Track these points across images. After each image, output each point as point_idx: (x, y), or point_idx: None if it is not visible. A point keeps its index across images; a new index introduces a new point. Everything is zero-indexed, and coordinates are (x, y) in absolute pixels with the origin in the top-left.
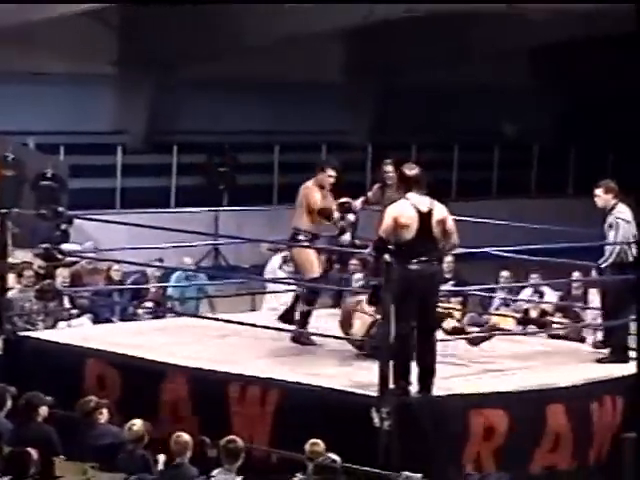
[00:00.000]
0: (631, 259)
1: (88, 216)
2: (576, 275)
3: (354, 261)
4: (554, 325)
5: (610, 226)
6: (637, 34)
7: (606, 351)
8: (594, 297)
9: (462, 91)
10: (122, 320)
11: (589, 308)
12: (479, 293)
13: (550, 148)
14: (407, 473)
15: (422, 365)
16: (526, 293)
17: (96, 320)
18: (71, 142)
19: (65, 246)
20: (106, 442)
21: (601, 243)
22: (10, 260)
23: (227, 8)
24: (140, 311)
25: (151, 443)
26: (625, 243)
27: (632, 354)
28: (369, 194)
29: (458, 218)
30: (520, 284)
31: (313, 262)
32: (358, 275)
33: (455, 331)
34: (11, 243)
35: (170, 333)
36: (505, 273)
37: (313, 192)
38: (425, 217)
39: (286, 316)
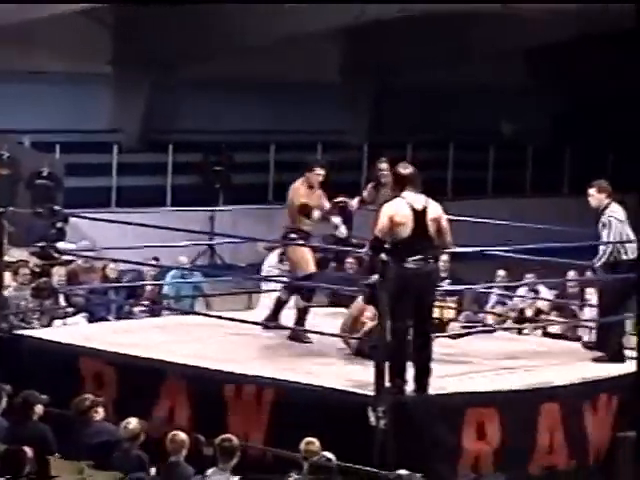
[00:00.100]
0: (624, 258)
1: (84, 215)
2: (571, 274)
3: (350, 260)
4: (549, 324)
5: (603, 225)
6: (634, 33)
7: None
8: (591, 296)
9: (458, 91)
10: (118, 319)
11: (584, 306)
12: (475, 292)
13: (545, 148)
14: (403, 471)
15: (418, 364)
16: (522, 292)
17: (92, 319)
18: (67, 140)
19: (61, 245)
20: (101, 440)
21: (596, 243)
22: (6, 258)
23: (224, 8)
24: (136, 310)
25: (147, 442)
26: (618, 242)
27: (627, 353)
28: (364, 194)
29: (454, 217)
30: (516, 283)
31: (308, 260)
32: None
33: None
34: (7, 241)
35: (166, 332)
36: (501, 272)
37: (298, 192)
38: (420, 215)
39: (269, 324)
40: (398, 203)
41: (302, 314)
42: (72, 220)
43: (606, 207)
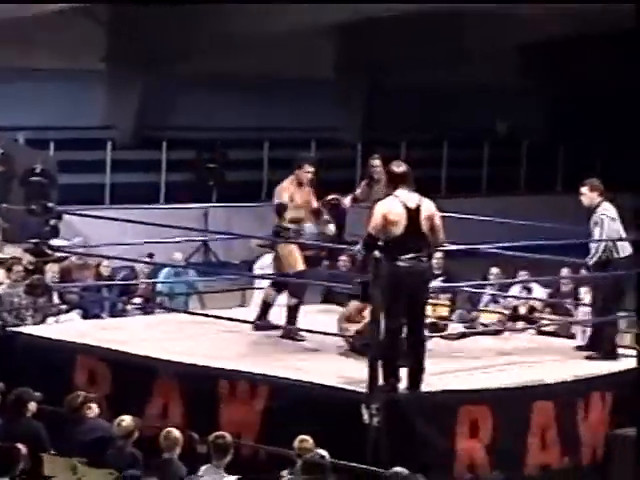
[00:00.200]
0: (616, 256)
1: (77, 212)
2: (565, 272)
3: (344, 257)
4: (543, 321)
5: (595, 223)
6: (630, 33)
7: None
8: (585, 295)
9: (452, 89)
10: (111, 316)
11: (578, 305)
12: (468, 289)
13: (539, 145)
14: (399, 468)
15: (411, 362)
16: (515, 290)
17: (85, 316)
18: (61, 137)
19: (54, 241)
20: (95, 437)
21: (589, 240)
22: None
23: (218, 5)
24: (129, 307)
25: (140, 439)
26: (611, 240)
27: (621, 351)
28: (357, 191)
29: (447, 215)
30: (509, 281)
31: (297, 257)
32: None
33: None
34: (0, 238)
35: (159, 329)
36: (494, 270)
37: (282, 190)
38: (413, 214)
39: (260, 325)
40: (391, 201)
41: (293, 312)
42: (66, 217)
43: (598, 205)
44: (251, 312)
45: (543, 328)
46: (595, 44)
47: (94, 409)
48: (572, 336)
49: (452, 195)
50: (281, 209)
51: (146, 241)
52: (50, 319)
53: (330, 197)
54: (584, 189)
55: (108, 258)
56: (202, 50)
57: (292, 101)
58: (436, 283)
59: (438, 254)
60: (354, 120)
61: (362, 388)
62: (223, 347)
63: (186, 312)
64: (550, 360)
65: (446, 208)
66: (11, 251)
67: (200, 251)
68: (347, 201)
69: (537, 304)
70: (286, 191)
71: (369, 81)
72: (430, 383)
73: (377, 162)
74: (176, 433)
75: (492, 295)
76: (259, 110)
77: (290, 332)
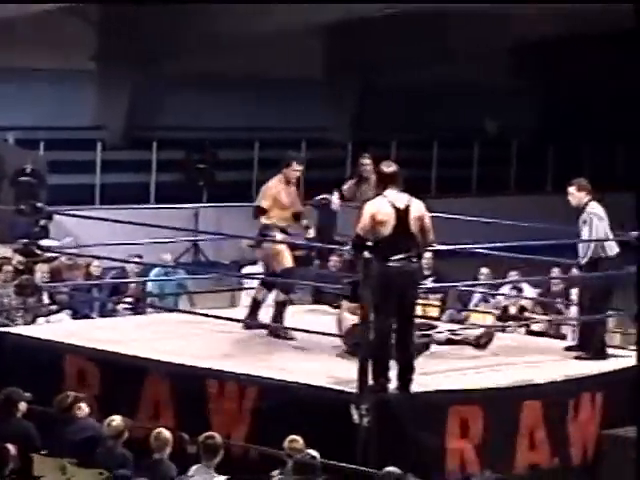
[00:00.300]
0: (603, 255)
1: (67, 212)
2: (555, 272)
3: (335, 257)
4: (533, 321)
5: (584, 222)
6: (622, 34)
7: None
8: (576, 296)
9: (442, 89)
10: (101, 316)
11: (569, 305)
12: (458, 290)
13: (529, 146)
14: (390, 468)
15: (401, 361)
16: (505, 290)
17: (75, 316)
18: (51, 137)
19: (44, 242)
20: (85, 436)
21: (581, 240)
22: None
23: (208, 4)
24: (119, 307)
25: (130, 439)
26: (600, 240)
27: (610, 351)
28: (344, 188)
29: (437, 215)
30: (499, 281)
31: (285, 255)
32: None
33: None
34: None
35: (149, 329)
36: (484, 270)
37: (268, 192)
38: (402, 214)
39: (250, 324)
40: (380, 201)
41: (281, 309)
42: (56, 217)
43: (586, 205)
44: (241, 312)
45: (533, 328)
46: (586, 44)
47: (84, 409)
48: (562, 336)
49: (442, 195)
50: (258, 213)
51: (136, 242)
52: (40, 319)
53: (320, 197)
54: (572, 189)
55: (98, 258)
56: (192, 50)
57: (282, 101)
58: (426, 283)
59: (428, 254)
60: (344, 120)
61: (352, 388)
62: (213, 347)
63: (176, 311)
64: (540, 360)
65: (436, 208)
66: (1, 251)
67: (190, 251)
68: (334, 199)
69: (527, 304)
70: (273, 191)
71: (359, 81)
72: (420, 383)
73: (367, 161)
74: (166, 433)
75: (482, 295)
76: (249, 110)
77: (277, 329)
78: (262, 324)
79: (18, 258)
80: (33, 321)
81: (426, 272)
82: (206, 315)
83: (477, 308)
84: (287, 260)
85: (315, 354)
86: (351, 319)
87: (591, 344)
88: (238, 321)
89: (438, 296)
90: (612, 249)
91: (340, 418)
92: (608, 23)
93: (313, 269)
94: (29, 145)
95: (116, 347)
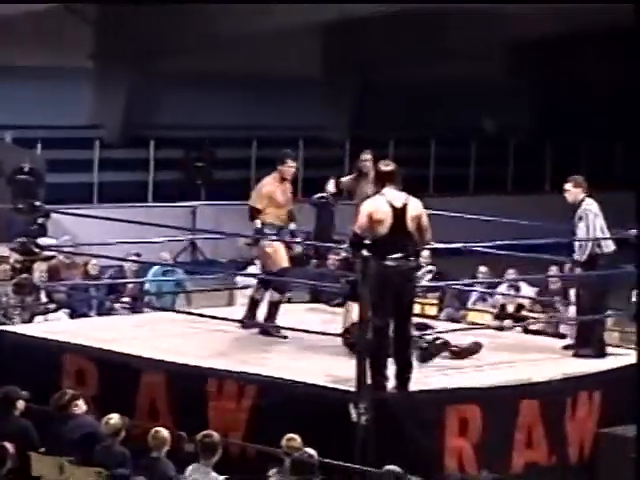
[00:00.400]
0: (598, 252)
1: (65, 210)
2: (553, 270)
3: (333, 256)
4: (530, 320)
5: (580, 218)
6: (620, 33)
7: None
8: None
9: (440, 88)
10: (99, 315)
11: (568, 304)
12: (456, 288)
13: (527, 144)
14: (390, 467)
15: (399, 360)
16: (503, 288)
17: (73, 315)
18: (48, 136)
19: (42, 240)
20: (82, 433)
21: (578, 239)
22: None
23: (206, 4)
24: (117, 306)
25: (128, 437)
26: (598, 239)
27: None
28: (342, 180)
29: (435, 213)
30: (497, 279)
31: (281, 254)
32: None
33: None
34: None
35: (147, 328)
36: (483, 268)
37: (262, 189)
38: (399, 213)
39: (248, 323)
40: (377, 200)
41: (274, 308)
42: (54, 216)
43: (582, 201)
44: (238, 311)
45: (531, 327)
46: (584, 43)
47: (81, 406)
48: (560, 335)
49: (440, 194)
50: (254, 214)
51: (134, 240)
52: (38, 318)
53: (318, 195)
54: (568, 185)
55: (96, 257)
56: (190, 49)
57: (280, 100)
58: (424, 282)
59: (425, 252)
60: (342, 119)
61: (350, 387)
62: (211, 346)
63: (174, 311)
64: (538, 359)
65: (434, 207)
66: None
67: (188, 250)
68: (330, 185)
69: (525, 302)
70: (268, 189)
71: (357, 80)
72: (418, 382)
73: (368, 156)
74: (164, 432)
75: (480, 293)
76: (247, 109)
77: (269, 328)
78: (259, 323)
79: (16, 257)
80: (31, 320)
81: (426, 270)
82: (203, 315)
83: (475, 307)
84: (282, 259)
85: (313, 353)
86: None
87: (591, 342)
88: (235, 320)
89: (436, 294)
90: (608, 246)
91: (338, 417)
92: (606, 22)
93: (311, 268)
94: (27, 144)
95: (114, 346)
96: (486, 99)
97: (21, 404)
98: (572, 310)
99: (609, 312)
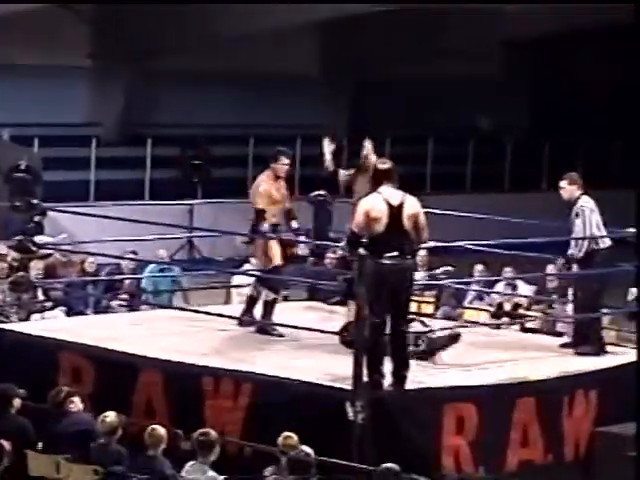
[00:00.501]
0: (595, 247)
1: (62, 208)
2: (550, 268)
3: (331, 254)
4: (527, 318)
5: (576, 215)
6: (616, 32)
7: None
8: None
9: (437, 86)
10: (96, 313)
11: (565, 302)
12: (453, 286)
13: (524, 143)
14: (388, 464)
15: (396, 358)
16: (500, 287)
17: (70, 313)
18: (45, 134)
19: (39, 238)
20: (79, 430)
21: (575, 238)
22: None
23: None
24: (114, 304)
25: (124, 435)
26: (594, 237)
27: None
28: (344, 172)
29: (432, 211)
30: (494, 278)
31: (275, 252)
32: None
33: None
34: None
35: (144, 326)
36: (479, 267)
37: (260, 190)
38: (395, 211)
39: (245, 321)
40: (374, 198)
41: (270, 306)
42: (50, 214)
43: (578, 198)
44: (236, 308)
45: (528, 325)
46: (581, 41)
47: (77, 403)
48: (557, 333)
49: (437, 192)
50: (261, 216)
51: (131, 238)
52: (34, 316)
53: (316, 193)
54: (563, 183)
55: (93, 255)
56: (188, 48)
57: (277, 98)
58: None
59: (422, 251)
60: (339, 117)
61: (347, 385)
62: (208, 344)
63: (171, 308)
64: (535, 357)
65: (431, 205)
66: None
67: (185, 248)
68: (329, 162)
69: (522, 301)
70: (266, 188)
71: (354, 78)
72: (415, 380)
73: (369, 146)
74: (161, 430)
75: (477, 292)
76: (244, 107)
77: (265, 327)
78: (256, 321)
79: (13, 254)
80: (27, 318)
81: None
82: (200, 312)
83: (472, 305)
84: (277, 257)
85: (310, 351)
86: None
87: (590, 340)
88: (233, 318)
89: (433, 293)
90: (604, 242)
91: (335, 415)
92: (603, 21)
93: (308, 266)
94: (24, 141)
95: (110, 344)
96: (483, 97)
97: (17, 402)
98: (569, 308)
99: (606, 310)
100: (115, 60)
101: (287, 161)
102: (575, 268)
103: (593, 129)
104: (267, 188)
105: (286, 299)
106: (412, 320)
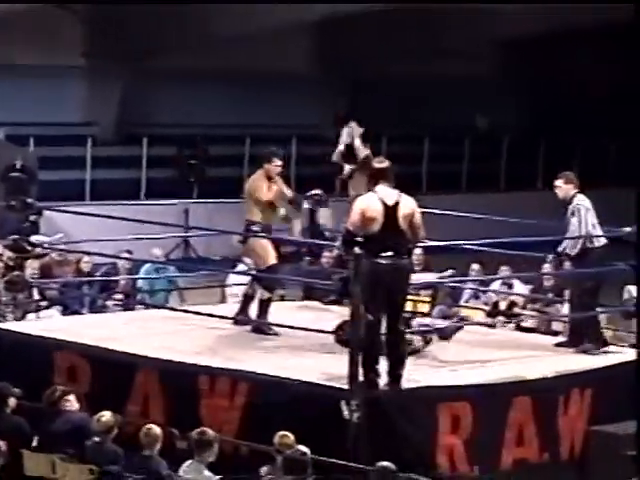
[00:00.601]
0: (590, 246)
1: (58, 208)
2: (546, 267)
3: (327, 254)
4: (523, 317)
5: (572, 213)
6: (612, 31)
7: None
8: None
9: (433, 85)
10: (92, 312)
11: (562, 301)
12: (449, 285)
13: (520, 142)
14: (384, 463)
15: (391, 358)
16: (496, 286)
17: (65, 312)
18: (41, 133)
19: (34, 238)
20: (74, 428)
21: (571, 237)
22: None
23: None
24: (109, 303)
25: (120, 435)
26: (590, 237)
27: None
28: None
29: (428, 211)
30: (490, 277)
31: (268, 252)
32: None
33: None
34: None
35: (140, 325)
36: (475, 266)
37: (260, 187)
38: (390, 210)
39: (241, 319)
40: (370, 197)
41: (265, 306)
42: (46, 213)
43: (573, 197)
44: (231, 308)
45: (523, 324)
46: (577, 41)
47: (73, 402)
48: (553, 332)
49: (433, 191)
50: (274, 207)
51: (127, 238)
52: (30, 315)
53: (312, 192)
54: (559, 182)
55: (88, 254)
56: (183, 46)
57: (273, 97)
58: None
59: (418, 250)
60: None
61: (342, 384)
62: (203, 343)
63: (166, 308)
64: (530, 356)
65: (426, 204)
66: None
67: (181, 247)
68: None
69: (518, 300)
70: (262, 186)
71: (351, 77)
72: (411, 379)
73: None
74: (156, 430)
75: (473, 291)
76: (240, 106)
77: (261, 326)
78: (252, 320)
79: (8, 254)
80: (23, 317)
81: (416, 268)
82: (195, 312)
83: (468, 304)
84: (271, 257)
85: (305, 350)
86: None
87: (590, 338)
88: (228, 317)
89: (429, 292)
90: (600, 240)
91: (330, 414)
92: (599, 20)
93: (304, 265)
94: (19, 141)
95: (106, 343)
96: (479, 97)
97: (12, 401)
98: (566, 307)
99: (602, 309)
100: (111, 59)
101: (279, 162)
102: (567, 265)
103: (589, 128)
104: (259, 187)
105: (282, 298)
106: (412, 318)
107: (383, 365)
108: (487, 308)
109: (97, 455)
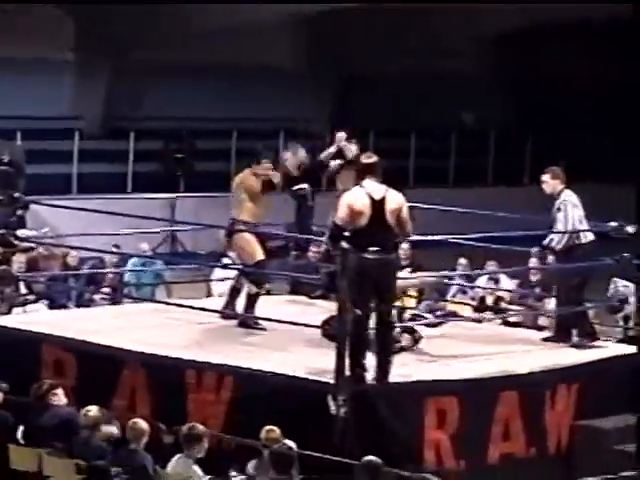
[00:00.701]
0: (577, 242)
1: (44, 202)
2: (533, 262)
3: (314, 248)
4: (510, 312)
5: (558, 209)
6: (601, 26)
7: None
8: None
9: (421, 80)
10: (78, 306)
11: (549, 296)
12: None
13: (507, 137)
14: (370, 457)
15: (379, 352)
16: (483, 281)
17: (52, 306)
18: (28, 127)
19: (21, 232)
20: (61, 422)
21: (558, 232)
22: None
23: None
24: (96, 297)
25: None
26: (577, 232)
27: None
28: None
29: (415, 205)
30: (477, 272)
31: (255, 247)
32: None
33: None
34: None
35: (126, 319)
36: (462, 261)
37: (249, 181)
38: (377, 205)
39: (228, 313)
40: (357, 192)
41: (252, 300)
42: (33, 207)
43: (560, 192)
44: (217, 302)
45: (510, 319)
46: (564, 36)
47: (60, 396)
48: (539, 327)
49: (420, 186)
50: (272, 184)
51: (113, 232)
52: (16, 309)
53: (297, 187)
54: (546, 177)
55: (75, 248)
56: (170, 41)
57: (261, 92)
58: (404, 274)
59: (405, 245)
60: (323, 111)
61: (329, 379)
62: (190, 337)
63: (153, 301)
64: (517, 351)
65: (414, 199)
66: None
67: (167, 241)
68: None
69: (504, 294)
70: (253, 182)
71: (339, 72)
72: (398, 374)
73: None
74: (142, 424)
75: (460, 286)
76: (228, 100)
77: (247, 320)
78: (239, 314)
79: None
80: (9, 311)
81: (403, 263)
82: (182, 306)
83: (455, 299)
84: (258, 252)
85: (292, 344)
86: None
87: (580, 332)
88: (215, 311)
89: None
90: (586, 236)
91: (317, 409)
92: (587, 14)
93: (290, 260)
94: (6, 135)
95: (93, 337)
96: (466, 92)
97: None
98: (552, 302)
99: (589, 304)
100: (98, 53)
101: (268, 165)
102: (551, 259)
103: (576, 124)
104: (253, 185)
105: (269, 293)
106: (400, 313)
107: (370, 360)
108: (474, 303)
109: (83, 449)
